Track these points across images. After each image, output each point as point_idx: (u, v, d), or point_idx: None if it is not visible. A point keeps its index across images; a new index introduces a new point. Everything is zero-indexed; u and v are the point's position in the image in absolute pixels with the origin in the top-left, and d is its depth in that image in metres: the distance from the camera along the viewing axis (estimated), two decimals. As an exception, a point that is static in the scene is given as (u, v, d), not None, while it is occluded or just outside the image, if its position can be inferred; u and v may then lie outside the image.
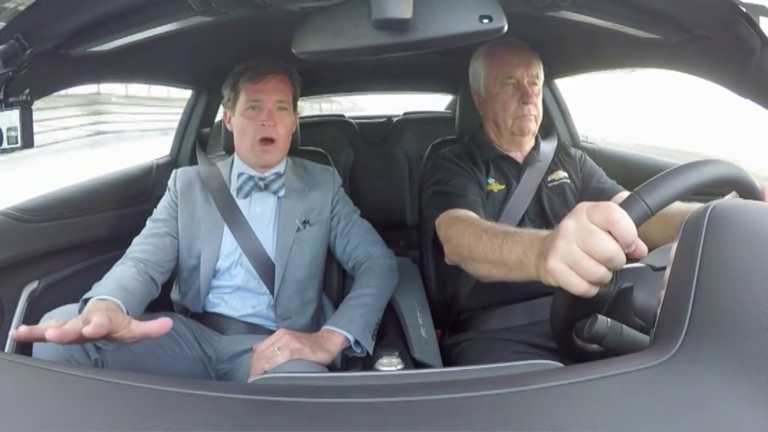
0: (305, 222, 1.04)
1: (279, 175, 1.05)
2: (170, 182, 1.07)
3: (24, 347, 1.00)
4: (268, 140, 1.01)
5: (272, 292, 1.00)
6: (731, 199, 0.53)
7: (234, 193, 1.04)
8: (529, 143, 1.07)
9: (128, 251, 0.99)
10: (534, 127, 1.03)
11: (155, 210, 1.06)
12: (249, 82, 1.00)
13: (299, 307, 1.02)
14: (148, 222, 1.04)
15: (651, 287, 0.49)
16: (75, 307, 0.82)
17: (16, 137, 0.66)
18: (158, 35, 0.76)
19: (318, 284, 1.07)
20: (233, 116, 1.05)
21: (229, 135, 1.10)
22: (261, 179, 1.04)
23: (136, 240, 1.01)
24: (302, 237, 1.03)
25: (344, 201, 1.12)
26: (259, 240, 1.01)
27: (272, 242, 1.02)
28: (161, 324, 0.69)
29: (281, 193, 1.04)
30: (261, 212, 1.03)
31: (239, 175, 1.05)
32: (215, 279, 1.02)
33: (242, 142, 1.03)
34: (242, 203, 1.03)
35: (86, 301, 0.80)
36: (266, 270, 1.01)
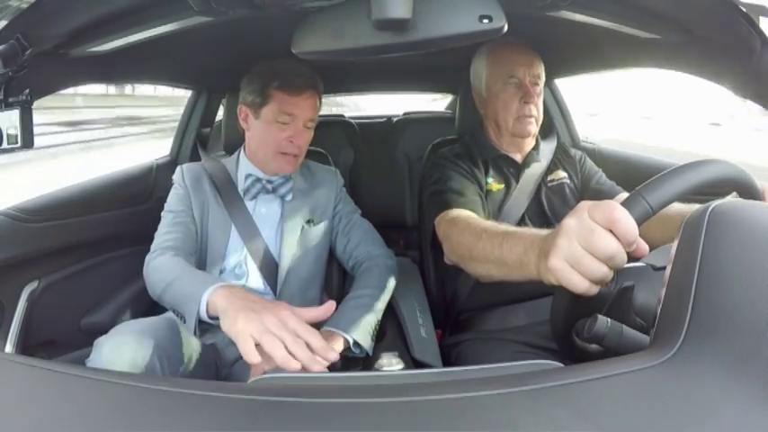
0: (309, 221, 1.04)
1: (287, 179, 1.05)
2: (176, 177, 1.05)
3: (25, 348, 1.00)
4: (290, 154, 1.00)
5: (274, 292, 1.00)
6: (731, 199, 0.53)
7: (240, 193, 1.03)
8: (529, 144, 1.07)
9: (156, 244, 0.95)
10: (535, 129, 1.03)
11: (166, 204, 1.03)
12: (286, 93, 0.97)
13: (301, 306, 1.02)
14: (166, 214, 1.01)
15: (652, 286, 0.49)
16: (137, 327, 0.76)
17: (16, 136, 0.66)
18: (158, 35, 0.76)
19: (320, 284, 1.08)
20: (253, 117, 1.01)
21: (239, 133, 1.08)
22: (269, 182, 1.03)
23: (161, 231, 0.97)
24: (306, 236, 1.03)
25: (346, 200, 1.12)
26: (265, 241, 1.01)
27: (277, 242, 1.02)
28: (328, 307, 0.69)
29: (289, 197, 1.03)
30: (266, 213, 1.03)
31: (247, 176, 1.04)
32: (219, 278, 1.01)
33: (262, 148, 1.01)
34: (249, 203, 1.03)
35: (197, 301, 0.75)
36: (270, 270, 1.01)
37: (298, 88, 0.97)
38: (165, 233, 0.97)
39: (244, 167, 1.06)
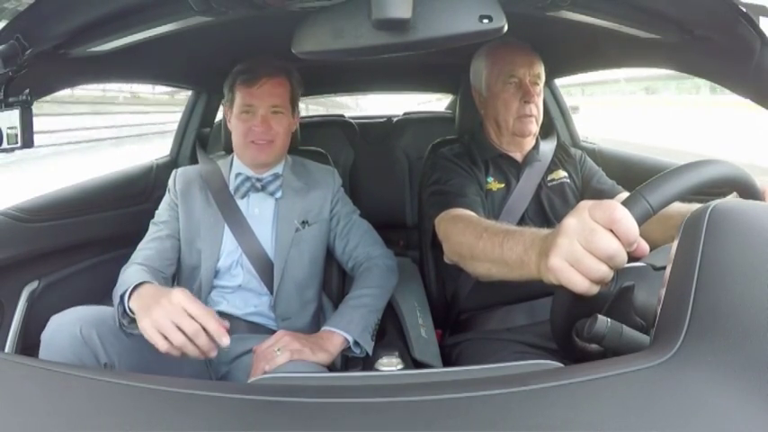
0: (303, 223, 1.04)
1: (276, 176, 1.05)
2: (170, 182, 1.07)
3: (25, 348, 1.00)
4: (257, 142, 1.01)
5: (271, 293, 1.00)
6: (731, 199, 0.53)
7: (231, 192, 1.04)
8: (529, 143, 1.07)
9: (132, 257, 0.99)
10: (535, 128, 1.03)
11: (156, 212, 1.06)
12: (243, 85, 1.00)
13: (299, 307, 1.02)
14: (150, 226, 1.04)
15: (652, 286, 0.49)
16: (88, 309, 0.82)
17: (16, 136, 0.66)
18: (158, 35, 0.76)
19: (318, 285, 1.07)
20: (230, 115, 1.05)
21: (228, 134, 1.10)
22: (258, 180, 1.04)
23: (140, 246, 1.01)
24: (301, 237, 1.03)
25: (344, 200, 1.12)
26: (259, 241, 1.01)
27: (272, 242, 1.02)
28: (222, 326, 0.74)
29: (278, 194, 1.03)
30: (260, 213, 1.03)
31: (237, 175, 1.05)
32: (216, 279, 1.02)
33: (237, 141, 1.03)
34: (241, 204, 1.03)
35: (121, 296, 0.81)
36: (266, 270, 1.00)
37: (253, 79, 0.99)
38: (141, 249, 1.00)
39: (235, 167, 1.07)
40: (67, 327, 0.78)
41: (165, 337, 0.72)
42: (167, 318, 0.72)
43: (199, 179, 1.06)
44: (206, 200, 1.03)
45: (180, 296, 0.74)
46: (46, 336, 0.78)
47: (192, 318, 0.72)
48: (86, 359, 0.78)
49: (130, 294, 0.80)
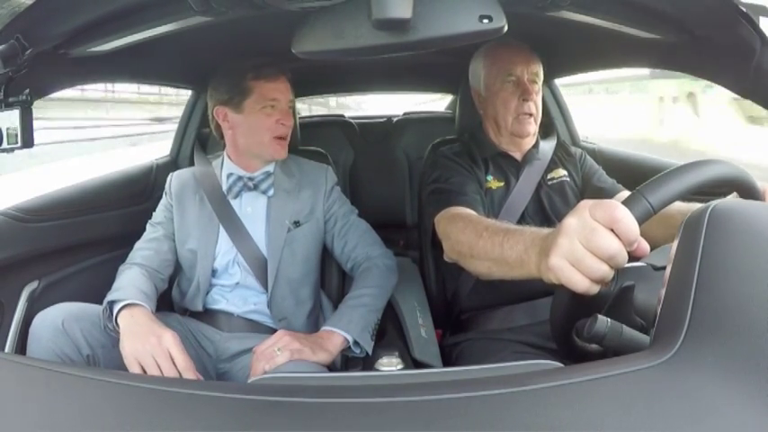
0: (295, 223, 1.04)
1: (268, 175, 1.05)
2: (166, 186, 1.09)
3: (23, 347, 1.00)
4: (282, 137, 1.03)
5: (266, 291, 1.01)
6: (731, 199, 0.53)
7: (224, 193, 1.05)
8: (528, 143, 1.07)
9: (130, 256, 1.01)
10: (533, 128, 1.03)
11: (153, 213, 1.08)
12: (264, 81, 1.00)
13: (294, 307, 1.02)
14: (148, 227, 1.06)
15: (652, 286, 0.49)
16: (73, 305, 0.87)
17: (16, 136, 0.66)
18: (158, 35, 0.76)
19: (313, 284, 1.07)
20: (234, 113, 1.02)
21: (220, 134, 1.09)
22: (250, 179, 1.04)
23: (137, 245, 1.03)
24: (293, 237, 1.03)
25: (341, 201, 1.11)
26: (253, 240, 1.02)
27: (265, 241, 1.03)
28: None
29: (271, 192, 1.04)
30: (252, 212, 1.04)
31: (229, 175, 1.05)
32: (214, 278, 1.02)
33: (255, 137, 1.02)
34: (234, 203, 1.04)
35: (110, 303, 0.85)
36: (261, 268, 1.01)
37: (274, 75, 1.01)
38: (139, 249, 1.03)
39: (226, 168, 1.07)
40: (50, 320, 0.81)
41: (142, 368, 0.77)
42: (150, 355, 0.76)
43: (193, 181, 1.08)
44: (200, 201, 1.04)
45: (170, 341, 0.78)
46: (32, 330, 0.82)
47: (174, 364, 0.76)
48: (68, 350, 0.81)
49: (122, 308, 0.83)
